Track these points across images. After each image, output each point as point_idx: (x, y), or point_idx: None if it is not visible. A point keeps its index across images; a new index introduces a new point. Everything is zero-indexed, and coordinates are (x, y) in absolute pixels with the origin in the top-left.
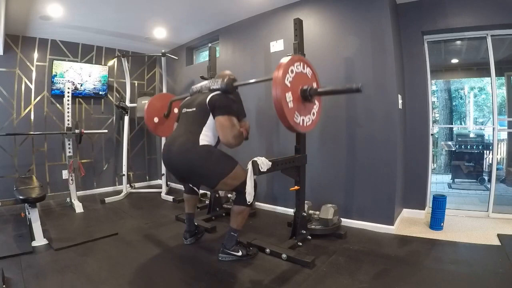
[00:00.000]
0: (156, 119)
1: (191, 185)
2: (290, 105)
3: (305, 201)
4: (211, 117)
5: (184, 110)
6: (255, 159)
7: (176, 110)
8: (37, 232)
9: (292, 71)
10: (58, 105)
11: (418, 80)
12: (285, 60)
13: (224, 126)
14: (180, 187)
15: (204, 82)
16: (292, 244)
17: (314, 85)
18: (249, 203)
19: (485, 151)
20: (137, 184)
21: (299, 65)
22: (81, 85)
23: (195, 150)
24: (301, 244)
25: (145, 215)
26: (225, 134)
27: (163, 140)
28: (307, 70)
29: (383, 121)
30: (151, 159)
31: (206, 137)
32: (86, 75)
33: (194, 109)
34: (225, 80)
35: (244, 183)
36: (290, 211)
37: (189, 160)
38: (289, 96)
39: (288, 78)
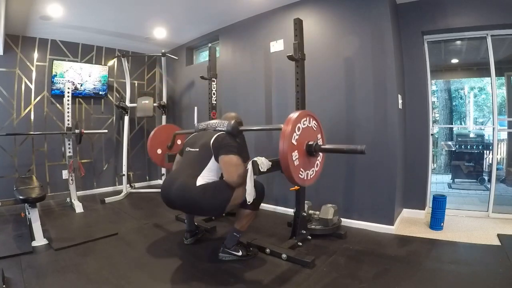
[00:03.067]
0: (159, 151)
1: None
2: (296, 162)
3: (305, 201)
4: (213, 159)
5: (188, 149)
6: (255, 159)
7: (179, 142)
8: (37, 232)
9: (299, 129)
10: (58, 105)
11: (418, 80)
12: (293, 116)
13: (229, 165)
14: None
15: (211, 121)
16: (292, 244)
17: (319, 136)
18: (249, 203)
19: (485, 151)
20: (137, 184)
21: (306, 121)
22: (81, 85)
23: (192, 192)
24: (301, 244)
25: (145, 215)
26: (231, 172)
27: None
28: (313, 124)
29: (383, 121)
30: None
31: (204, 178)
32: (86, 75)
33: (198, 149)
34: (231, 123)
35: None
36: (290, 211)
37: (187, 201)
38: (295, 154)
39: (295, 136)
